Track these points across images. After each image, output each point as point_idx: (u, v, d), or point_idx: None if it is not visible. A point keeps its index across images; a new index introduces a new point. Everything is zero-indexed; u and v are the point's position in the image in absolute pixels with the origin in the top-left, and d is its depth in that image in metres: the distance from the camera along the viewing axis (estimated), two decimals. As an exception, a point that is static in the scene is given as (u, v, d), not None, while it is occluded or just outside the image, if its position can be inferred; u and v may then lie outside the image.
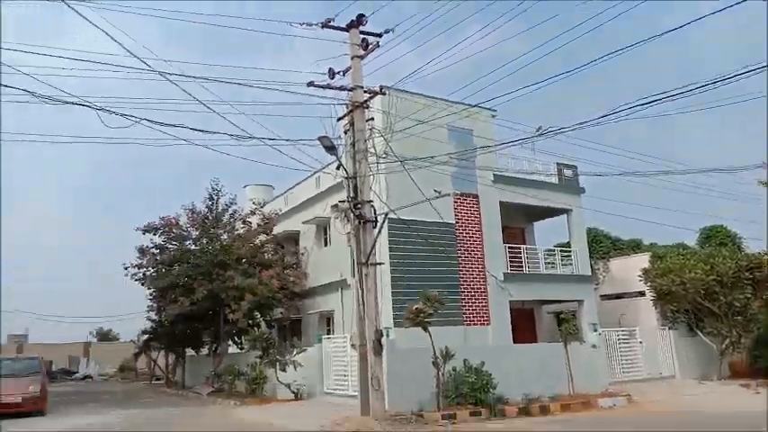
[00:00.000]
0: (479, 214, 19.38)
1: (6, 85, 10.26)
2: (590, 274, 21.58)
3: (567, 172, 21.88)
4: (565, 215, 22.01)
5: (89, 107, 11.56)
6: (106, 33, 10.90)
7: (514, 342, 18.13)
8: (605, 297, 24.09)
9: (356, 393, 12.98)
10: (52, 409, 17.07)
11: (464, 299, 18.36)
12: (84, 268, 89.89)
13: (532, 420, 12.49)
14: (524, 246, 21.03)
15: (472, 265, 18.81)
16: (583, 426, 12.08)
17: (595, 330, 17.83)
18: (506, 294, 19.07)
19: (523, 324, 20.53)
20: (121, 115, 12.21)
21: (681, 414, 13.24)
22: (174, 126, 12.19)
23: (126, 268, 22.66)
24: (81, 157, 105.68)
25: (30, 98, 10.71)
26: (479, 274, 18.87)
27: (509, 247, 20.01)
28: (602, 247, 26.37)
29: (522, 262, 20.19)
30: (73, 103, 11.59)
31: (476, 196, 19.38)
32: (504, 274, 19.23)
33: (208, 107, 13.93)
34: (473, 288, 18.64)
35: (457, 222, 18.84)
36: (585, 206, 22.03)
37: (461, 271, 18.56)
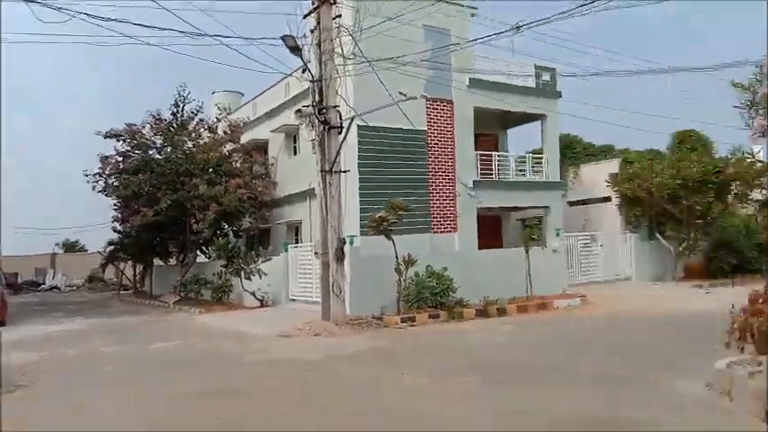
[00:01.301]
0: (453, 121, 18.85)
1: None
2: (559, 180, 21.52)
3: (545, 75, 21.19)
4: (539, 121, 21.55)
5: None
6: None
7: (480, 248, 18.25)
8: (573, 203, 24.30)
9: (320, 300, 13.00)
10: (14, 319, 16.93)
11: (433, 206, 18.25)
12: (51, 179, 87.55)
13: (488, 321, 12.84)
14: (496, 153, 20.68)
15: (443, 172, 18.57)
16: (531, 325, 12.26)
17: (557, 235, 18.24)
18: (475, 201, 18.93)
19: (489, 230, 20.62)
20: (57, 8, 11.14)
21: (620, 313, 13.48)
22: (116, 21, 11.17)
23: (86, 176, 21.87)
24: (23, 57, 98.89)
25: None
26: (449, 182, 18.66)
27: (480, 155, 19.67)
28: (576, 153, 26.35)
29: (492, 169, 19.94)
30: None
31: (450, 102, 18.77)
32: (473, 181, 19.04)
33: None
34: (442, 195, 18.49)
35: (429, 129, 18.35)
36: (562, 111, 21.47)
37: (431, 179, 18.32)
